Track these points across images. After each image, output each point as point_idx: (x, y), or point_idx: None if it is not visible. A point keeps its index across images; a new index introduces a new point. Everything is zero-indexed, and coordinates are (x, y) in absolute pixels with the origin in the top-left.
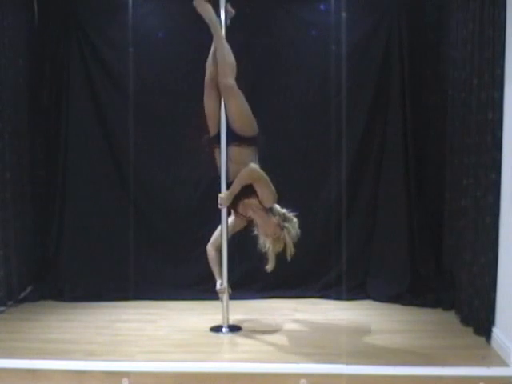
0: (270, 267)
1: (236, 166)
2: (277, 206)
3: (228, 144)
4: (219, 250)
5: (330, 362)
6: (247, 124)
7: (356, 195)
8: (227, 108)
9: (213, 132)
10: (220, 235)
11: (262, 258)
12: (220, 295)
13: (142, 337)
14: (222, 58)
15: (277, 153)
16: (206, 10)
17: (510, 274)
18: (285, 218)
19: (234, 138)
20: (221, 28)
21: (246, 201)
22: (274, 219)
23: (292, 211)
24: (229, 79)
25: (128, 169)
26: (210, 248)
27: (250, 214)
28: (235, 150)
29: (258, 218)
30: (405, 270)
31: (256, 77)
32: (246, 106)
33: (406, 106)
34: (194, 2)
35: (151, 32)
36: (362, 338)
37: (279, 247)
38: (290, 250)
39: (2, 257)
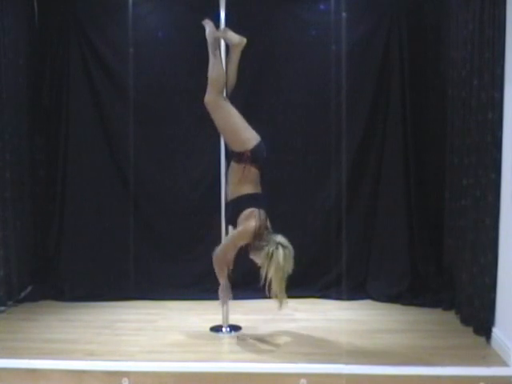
0: (279, 306)
1: (231, 185)
2: (265, 234)
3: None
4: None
5: (329, 361)
6: (231, 138)
7: (356, 195)
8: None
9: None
10: None
11: None
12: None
13: (142, 337)
14: (209, 74)
15: (277, 153)
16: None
17: (510, 274)
18: (269, 242)
19: (229, 153)
20: (219, 47)
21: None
22: (260, 244)
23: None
24: (207, 96)
25: (128, 169)
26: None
27: None
28: (231, 164)
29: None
30: (405, 270)
31: (256, 77)
32: (231, 120)
33: (406, 105)
34: (203, 22)
35: (151, 32)
36: (361, 338)
37: (281, 276)
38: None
39: (1, 257)
